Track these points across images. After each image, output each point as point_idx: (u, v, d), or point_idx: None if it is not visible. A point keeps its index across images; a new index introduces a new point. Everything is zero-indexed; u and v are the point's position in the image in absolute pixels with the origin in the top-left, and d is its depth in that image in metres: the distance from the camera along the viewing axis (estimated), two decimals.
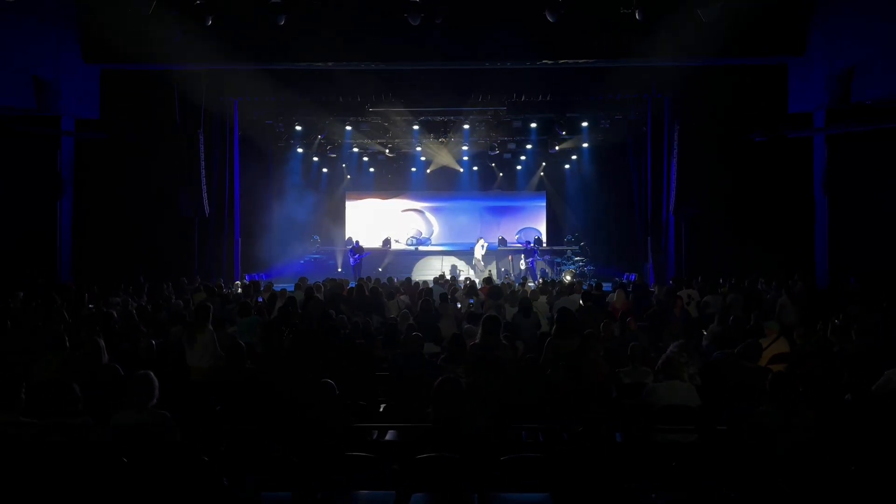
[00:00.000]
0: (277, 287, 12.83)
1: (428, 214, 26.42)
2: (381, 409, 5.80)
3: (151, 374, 4.59)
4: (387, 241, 24.35)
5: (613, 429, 5.08)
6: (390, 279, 13.96)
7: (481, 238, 21.02)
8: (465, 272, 20.59)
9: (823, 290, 13.30)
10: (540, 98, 16.63)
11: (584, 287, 14.01)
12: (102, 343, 6.36)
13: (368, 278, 14.48)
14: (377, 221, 25.99)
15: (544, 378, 5.72)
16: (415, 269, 22.46)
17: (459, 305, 11.32)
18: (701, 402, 4.93)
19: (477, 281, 14.93)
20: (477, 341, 6.12)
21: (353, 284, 12.98)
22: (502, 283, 14.19)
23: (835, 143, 14.18)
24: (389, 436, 5.26)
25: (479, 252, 20.47)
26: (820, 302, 11.14)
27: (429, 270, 21.73)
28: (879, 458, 4.45)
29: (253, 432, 4.56)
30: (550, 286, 12.95)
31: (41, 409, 4.25)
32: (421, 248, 25.14)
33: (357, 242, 21.43)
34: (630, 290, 12.73)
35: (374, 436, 5.17)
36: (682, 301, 10.56)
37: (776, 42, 13.28)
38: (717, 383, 5.64)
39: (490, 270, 19.75)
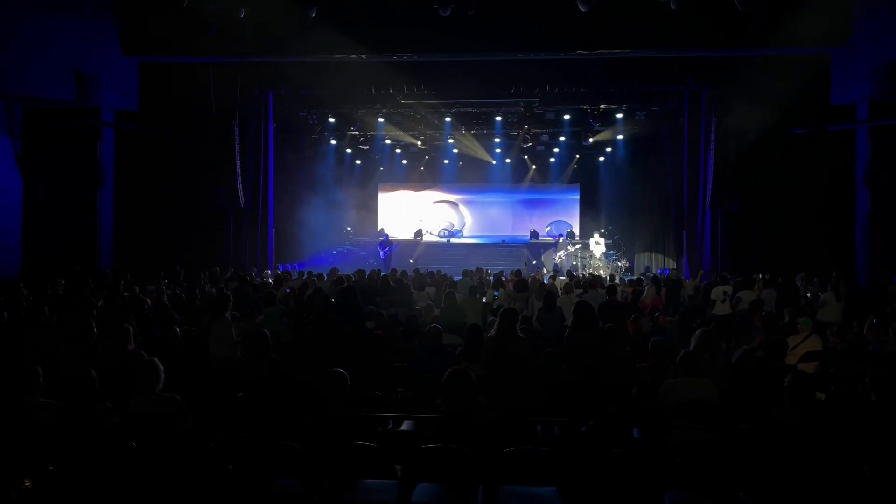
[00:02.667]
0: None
1: (461, 206, 26.41)
2: (398, 400, 5.82)
3: (156, 360, 4.68)
4: (419, 233, 24.41)
5: (631, 425, 5.01)
6: (416, 271, 13.98)
7: (595, 233, 20.44)
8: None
9: (863, 288, 12.93)
10: (573, 89, 16.41)
11: (617, 281, 13.86)
12: (131, 330, 6.49)
13: (394, 270, 14.55)
14: (409, 213, 26.09)
15: (561, 372, 5.67)
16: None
17: (486, 300, 11.29)
18: (720, 400, 4.83)
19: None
20: (493, 334, 6.09)
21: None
22: (532, 276, 14.10)
23: (878, 137, 13.71)
24: (405, 426, 5.28)
25: (595, 248, 19.85)
26: (860, 300, 10.83)
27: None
28: None
29: (266, 420, 4.62)
30: (581, 280, 12.82)
31: (61, 395, 4.37)
32: (453, 240, 25.16)
33: (387, 235, 21.52)
34: (662, 284, 12.53)
35: (390, 426, 5.20)
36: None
37: (818, 32, 12.86)
38: (740, 381, 5.52)
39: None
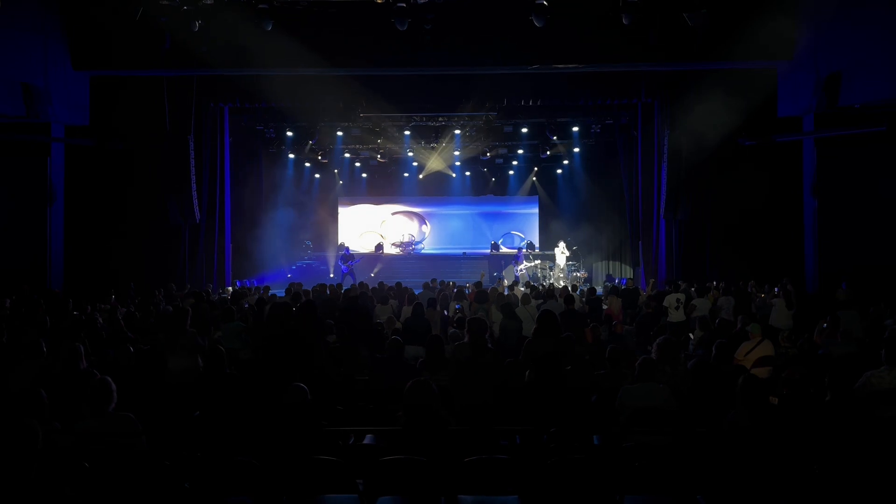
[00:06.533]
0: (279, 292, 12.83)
1: (421, 220, 26.45)
2: (360, 414, 5.78)
3: (108, 379, 4.58)
4: (379, 247, 24.35)
5: (591, 432, 5.06)
6: (381, 284, 13.95)
7: (562, 241, 20.63)
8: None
9: (812, 294, 13.32)
10: (530, 103, 16.66)
11: (578, 292, 14.03)
12: (82, 349, 6.32)
13: (362, 283, 14.47)
14: (369, 227, 26.02)
15: (522, 381, 5.71)
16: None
17: (447, 312, 11.32)
18: (676, 405, 4.92)
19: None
20: (461, 343, 6.11)
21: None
22: (492, 288, 14.16)
23: (823, 147, 14.22)
24: (367, 439, 5.24)
25: (560, 258, 20.10)
26: (809, 306, 11.15)
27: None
28: (858, 458, 4.44)
29: (224, 437, 4.54)
30: (540, 291, 12.93)
31: (8, 414, 4.22)
32: (413, 253, 25.16)
33: (347, 249, 21.41)
34: (619, 294, 12.74)
35: (352, 440, 5.15)
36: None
37: (765, 46, 13.29)
38: (696, 387, 5.64)
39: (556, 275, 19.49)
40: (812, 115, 14.14)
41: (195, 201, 15.71)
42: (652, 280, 15.61)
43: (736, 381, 4.70)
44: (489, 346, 6.58)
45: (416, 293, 12.92)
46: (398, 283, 13.51)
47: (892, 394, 5.43)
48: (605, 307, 12.30)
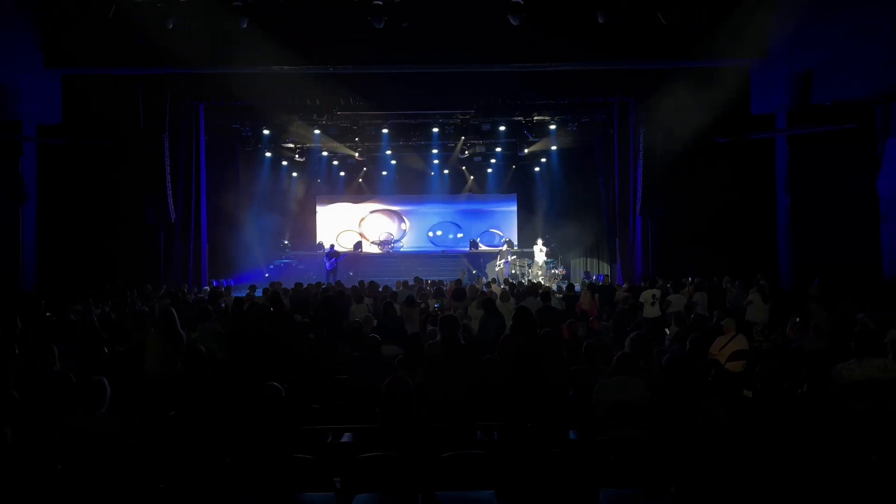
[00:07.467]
0: (242, 293, 12.73)
1: (399, 218, 26.44)
2: (338, 412, 5.77)
3: (105, 380, 4.55)
4: (358, 245, 24.31)
5: (568, 427, 5.11)
6: (361, 282, 13.92)
7: (540, 239, 20.68)
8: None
9: (786, 289, 13.52)
10: (508, 101, 16.71)
11: (555, 288, 14.13)
12: (56, 350, 6.25)
13: (338, 283, 14.43)
14: (348, 225, 25.95)
15: (500, 377, 5.75)
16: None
17: (428, 307, 11.32)
18: (651, 399, 4.98)
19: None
20: (434, 342, 6.13)
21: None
22: (470, 285, 14.20)
23: (796, 145, 14.42)
24: (345, 438, 5.24)
25: (538, 256, 20.10)
26: (783, 301, 11.32)
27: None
28: (831, 451, 4.53)
29: (200, 437, 4.52)
30: (518, 287, 13.00)
31: None
32: (392, 251, 25.14)
33: (332, 246, 21.34)
34: (596, 290, 12.83)
35: (329, 439, 5.15)
36: None
37: (738, 45, 13.45)
38: (671, 381, 5.70)
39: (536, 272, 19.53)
40: (785, 112, 14.33)
41: (170, 200, 15.55)
42: (627, 285, 15.77)
43: (707, 375, 4.78)
44: (462, 343, 6.59)
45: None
46: (371, 282, 13.46)
47: (861, 386, 5.54)
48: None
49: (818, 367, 6.38)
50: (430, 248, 25.20)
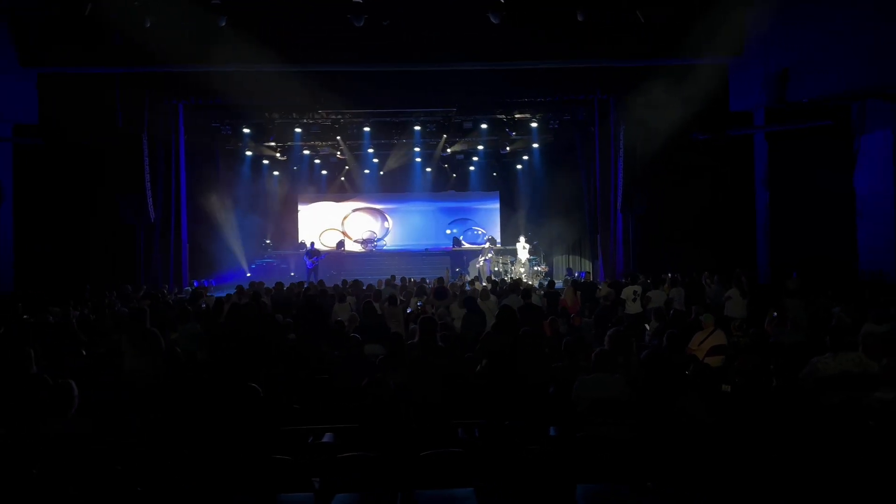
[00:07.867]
0: (223, 293, 12.65)
1: (382, 216, 26.38)
2: (320, 412, 5.76)
3: (72, 382, 4.50)
4: (340, 244, 24.23)
5: (548, 423, 5.14)
6: (344, 281, 13.89)
7: (522, 236, 20.66)
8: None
9: (764, 284, 13.66)
10: (489, 99, 16.73)
11: (537, 286, 14.17)
12: (32, 353, 6.17)
13: (321, 282, 14.39)
14: (330, 224, 25.85)
15: (480, 375, 5.77)
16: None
17: (410, 309, 11.32)
18: (631, 396, 5.03)
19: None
20: (413, 342, 6.15)
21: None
22: (453, 283, 14.25)
23: (774, 141, 14.59)
24: (326, 438, 5.24)
25: (521, 253, 20.14)
26: (761, 296, 11.44)
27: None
28: (806, 444, 4.59)
29: (179, 438, 4.50)
30: (500, 285, 13.03)
31: None
32: (375, 250, 25.08)
33: (313, 244, 21.24)
34: (578, 288, 12.90)
35: (311, 439, 5.14)
36: None
37: (716, 43, 13.57)
38: (649, 377, 5.75)
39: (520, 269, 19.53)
40: (763, 109, 14.50)
41: (150, 200, 15.40)
42: (609, 281, 15.86)
43: (685, 370, 4.83)
44: (440, 344, 6.61)
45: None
46: (356, 280, 13.44)
47: (837, 380, 5.62)
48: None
49: (796, 361, 6.48)
50: (413, 246, 25.16)
